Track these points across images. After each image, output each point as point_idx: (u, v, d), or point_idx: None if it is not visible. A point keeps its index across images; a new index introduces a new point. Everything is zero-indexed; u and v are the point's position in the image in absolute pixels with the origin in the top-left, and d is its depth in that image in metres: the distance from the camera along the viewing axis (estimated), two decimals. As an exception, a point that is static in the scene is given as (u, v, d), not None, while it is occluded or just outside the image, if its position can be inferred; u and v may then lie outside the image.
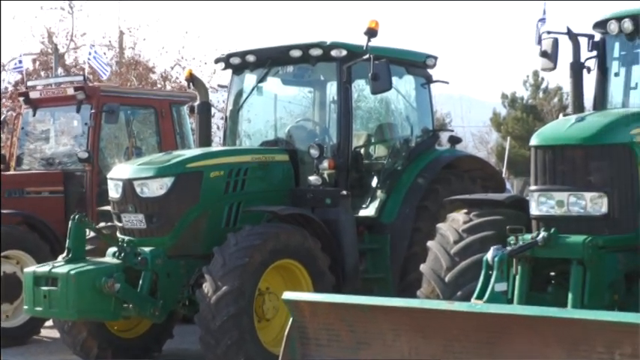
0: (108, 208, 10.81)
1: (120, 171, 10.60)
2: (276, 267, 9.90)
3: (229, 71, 11.97)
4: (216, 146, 13.34)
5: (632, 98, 9.68)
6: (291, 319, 6.99)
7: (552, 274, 7.92)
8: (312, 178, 10.80)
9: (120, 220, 10.41)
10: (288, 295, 7.08)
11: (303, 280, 10.04)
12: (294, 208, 10.46)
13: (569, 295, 7.39)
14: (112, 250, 10.22)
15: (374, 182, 11.52)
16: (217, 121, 21.13)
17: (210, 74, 28.21)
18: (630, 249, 7.75)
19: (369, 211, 11.32)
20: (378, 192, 11.43)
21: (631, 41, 9.54)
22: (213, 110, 13.17)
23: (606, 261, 7.56)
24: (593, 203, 7.62)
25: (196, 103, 11.97)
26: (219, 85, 14.38)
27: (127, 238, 10.30)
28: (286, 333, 7.00)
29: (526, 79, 51.09)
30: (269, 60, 11.52)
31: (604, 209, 7.60)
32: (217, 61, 11.99)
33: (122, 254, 10.08)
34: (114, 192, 10.45)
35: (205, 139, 11.78)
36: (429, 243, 8.53)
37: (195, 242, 10.27)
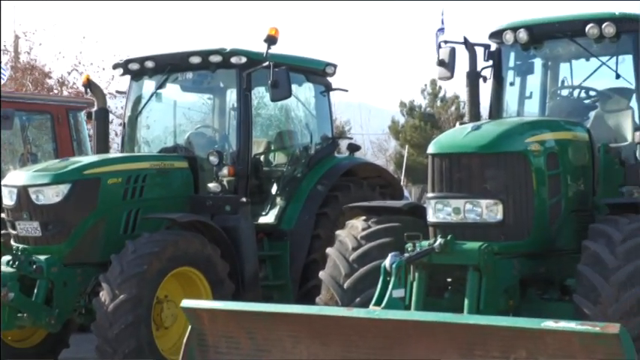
0: (2, 215, 10.59)
1: (14, 177, 10.40)
2: (175, 275, 9.82)
3: (128, 77, 11.85)
4: (114, 153, 13.18)
5: (526, 107, 9.88)
6: (189, 327, 6.95)
7: (449, 280, 8.02)
8: (212, 185, 10.76)
9: (14, 228, 10.21)
10: (186, 302, 7.04)
11: (202, 287, 9.98)
12: (193, 215, 10.41)
13: (466, 301, 7.48)
14: (6, 258, 10.02)
15: (274, 189, 11.53)
16: (115, 128, 20.89)
17: (109, 80, 27.89)
18: (525, 255, 7.90)
19: (268, 218, 11.33)
20: (278, 199, 11.45)
21: (526, 51, 9.74)
22: (111, 116, 13.05)
23: (501, 267, 7.69)
24: (489, 210, 7.75)
25: (94, 109, 11.81)
26: (117, 91, 14.26)
27: (21, 246, 10.10)
28: (185, 341, 6.96)
29: (424, 87, 51.76)
30: (168, 66, 11.45)
31: (499, 216, 7.73)
32: (115, 66, 11.86)
33: (16, 262, 9.89)
34: (8, 199, 10.25)
35: (103, 145, 11.63)
36: (328, 250, 8.57)
37: (93, 250, 10.13)
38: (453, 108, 50.04)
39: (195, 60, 11.17)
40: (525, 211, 7.83)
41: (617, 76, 9.35)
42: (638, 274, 7.19)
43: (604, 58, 9.44)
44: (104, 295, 9.39)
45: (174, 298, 9.78)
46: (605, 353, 5.50)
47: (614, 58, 9.38)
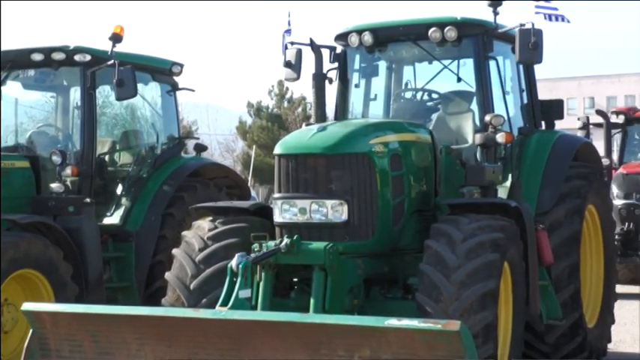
0: None
1: None
2: (16, 277, 9.57)
3: (-34, 74, 11.49)
4: (-49, 152, 12.74)
5: (371, 109, 10.04)
6: (31, 331, 6.79)
7: (295, 280, 8.08)
8: (55, 186, 10.53)
9: None
10: (27, 306, 6.88)
11: (44, 290, 9.76)
12: (35, 217, 10.16)
13: (311, 301, 7.55)
14: None
15: (119, 190, 11.39)
16: (-47, 126, 20.22)
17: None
18: (369, 255, 8.02)
19: (113, 219, 11.18)
20: (123, 199, 11.31)
21: (370, 54, 9.90)
22: (-52, 114, 12.60)
23: (346, 267, 7.78)
24: (334, 211, 7.83)
25: None
26: (-45, 88, 13.80)
27: None
28: (26, 345, 6.80)
29: (271, 88, 52.05)
30: (9, 63, 11.15)
31: (344, 216, 7.83)
32: (-47, 62, 11.49)
33: None
34: None
35: (-62, 145, 11.25)
36: (175, 251, 8.51)
37: None
38: (299, 109, 50.45)
39: (38, 57, 10.92)
40: (370, 212, 7.94)
41: (459, 80, 9.61)
42: (478, 272, 7.39)
43: (446, 62, 9.68)
44: (-60, 299, 9.09)
45: (15, 301, 9.53)
46: (446, 350, 5.63)
47: (456, 61, 9.62)
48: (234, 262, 7.45)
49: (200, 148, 12.75)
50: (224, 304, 7.29)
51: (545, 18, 16.15)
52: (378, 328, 5.79)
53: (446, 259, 7.47)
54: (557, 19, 16.52)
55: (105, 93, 11.72)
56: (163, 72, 11.95)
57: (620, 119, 18.30)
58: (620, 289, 12.08)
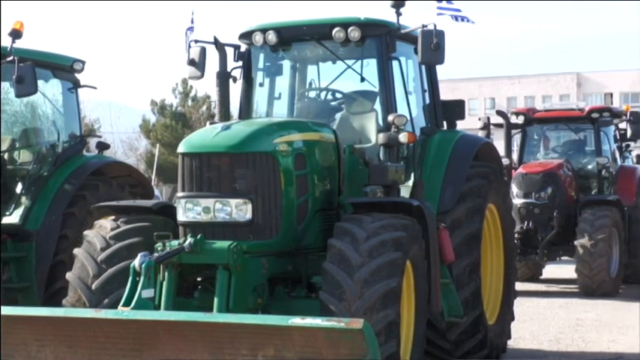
0: None
1: None
2: None
3: None
4: None
5: (276, 108, 10.05)
6: None
7: (199, 279, 8.05)
8: (-48, 184, 10.31)
9: None
10: None
11: (-60, 291, 9.56)
12: None
13: (215, 300, 7.52)
14: None
15: (18, 188, 11.19)
16: None
17: None
18: (273, 254, 8.02)
19: (12, 218, 11.00)
20: (23, 198, 11.12)
21: (275, 53, 9.90)
22: None
23: (251, 266, 7.78)
24: (238, 209, 7.82)
25: None
26: None
27: None
28: None
29: (175, 86, 51.72)
30: None
31: (248, 215, 7.82)
32: None
33: None
34: None
35: None
36: (76, 250, 8.39)
37: None
38: (204, 107, 50.25)
39: None
40: (274, 211, 7.95)
41: (362, 80, 9.66)
42: (381, 271, 7.45)
43: (350, 62, 9.73)
44: None
45: None
46: (349, 348, 5.68)
47: (360, 61, 9.68)
48: (137, 262, 7.39)
49: (102, 146, 12.60)
50: (126, 304, 7.22)
51: (452, 19, 16.34)
52: (282, 327, 5.80)
53: (349, 258, 7.51)
54: (462, 20, 16.72)
55: (4, 90, 11.50)
56: (64, 69, 11.79)
57: (520, 120, 18.64)
58: (519, 286, 12.32)
